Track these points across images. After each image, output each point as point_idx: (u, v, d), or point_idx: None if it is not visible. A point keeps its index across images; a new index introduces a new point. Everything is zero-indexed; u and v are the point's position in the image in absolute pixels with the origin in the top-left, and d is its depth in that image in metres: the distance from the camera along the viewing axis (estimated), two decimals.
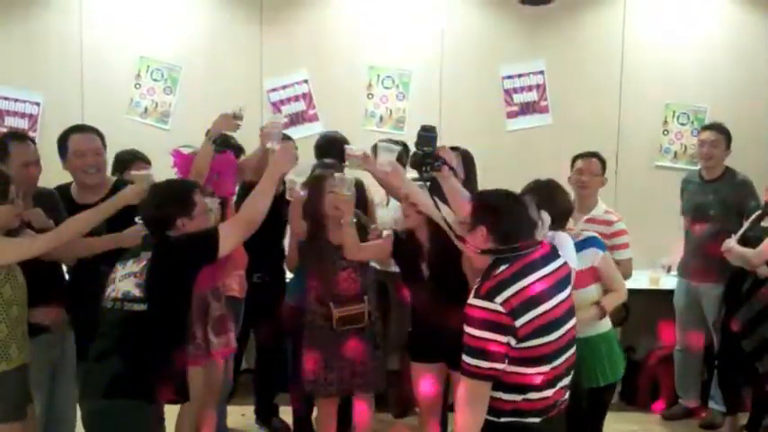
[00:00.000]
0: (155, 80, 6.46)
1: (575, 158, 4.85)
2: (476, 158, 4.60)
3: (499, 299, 2.65)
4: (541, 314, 2.71)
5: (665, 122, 6.51)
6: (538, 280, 2.75)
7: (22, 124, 6.41)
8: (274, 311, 5.00)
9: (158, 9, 6.49)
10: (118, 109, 6.40)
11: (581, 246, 3.73)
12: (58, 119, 5.98)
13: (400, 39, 6.51)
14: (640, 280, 5.85)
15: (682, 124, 6.49)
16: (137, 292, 3.12)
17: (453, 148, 4.74)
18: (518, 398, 2.75)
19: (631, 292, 5.70)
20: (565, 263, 2.95)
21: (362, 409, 4.44)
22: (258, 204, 3.32)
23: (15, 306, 3.40)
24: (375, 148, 4.75)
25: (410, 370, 4.17)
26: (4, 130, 6.29)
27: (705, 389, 5.64)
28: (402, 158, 4.73)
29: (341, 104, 6.42)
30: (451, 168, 3.35)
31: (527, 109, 6.50)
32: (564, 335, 2.81)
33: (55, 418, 3.93)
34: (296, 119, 6.40)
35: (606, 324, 3.92)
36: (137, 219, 3.57)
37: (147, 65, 6.45)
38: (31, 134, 6.23)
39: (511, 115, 6.51)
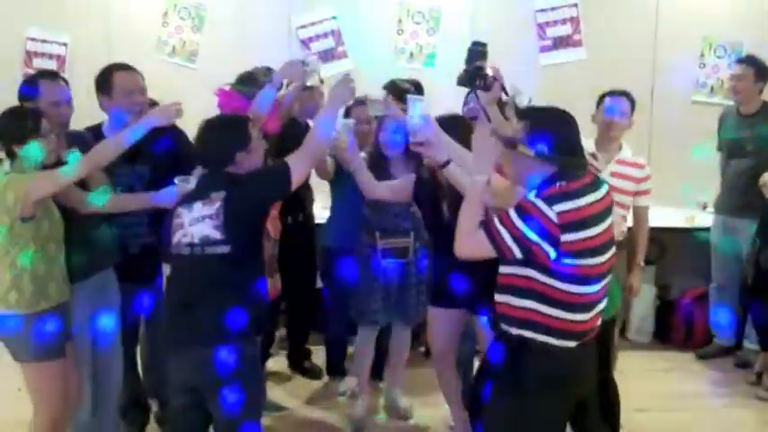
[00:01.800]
0: (182, 18, 6.43)
1: (602, 96, 4.63)
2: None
3: (557, 208, 2.63)
4: (592, 237, 2.70)
5: (702, 56, 6.42)
6: (596, 201, 2.74)
7: (50, 65, 6.37)
8: (306, 252, 5.08)
9: None
10: (145, 48, 6.37)
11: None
12: (85, 59, 6.06)
13: None
14: (676, 217, 5.86)
15: (719, 57, 6.39)
16: (217, 235, 3.06)
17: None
18: (560, 314, 2.75)
19: (667, 230, 5.75)
20: (608, 191, 2.89)
21: (400, 338, 4.64)
22: (322, 135, 3.33)
23: (53, 243, 3.43)
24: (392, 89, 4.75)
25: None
26: (33, 72, 6.40)
27: (740, 327, 5.66)
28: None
29: (370, 41, 6.34)
30: (503, 88, 3.29)
31: (560, 43, 6.42)
32: (607, 260, 2.80)
33: (101, 359, 3.92)
34: (325, 56, 6.35)
35: None
36: (176, 179, 3.52)
37: (175, 3, 6.42)
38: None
39: (544, 49, 6.44)
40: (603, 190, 2.83)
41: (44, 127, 3.38)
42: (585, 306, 2.80)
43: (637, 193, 4.41)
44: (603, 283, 2.84)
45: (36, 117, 3.39)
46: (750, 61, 5.38)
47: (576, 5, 6.38)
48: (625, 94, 4.53)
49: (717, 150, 5.60)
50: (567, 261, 2.67)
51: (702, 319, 5.83)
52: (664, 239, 5.93)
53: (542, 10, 6.41)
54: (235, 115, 3.62)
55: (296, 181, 3.20)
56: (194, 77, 6.16)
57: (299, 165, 3.21)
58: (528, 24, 6.42)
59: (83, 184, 3.61)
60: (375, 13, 6.43)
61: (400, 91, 4.51)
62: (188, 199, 3.20)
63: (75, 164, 3.41)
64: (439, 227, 3.88)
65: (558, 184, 2.71)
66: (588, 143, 4.34)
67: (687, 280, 6.17)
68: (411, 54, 6.44)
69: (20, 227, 3.30)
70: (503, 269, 2.81)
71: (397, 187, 4.13)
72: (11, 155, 3.38)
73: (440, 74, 5.99)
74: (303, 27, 6.44)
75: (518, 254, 2.70)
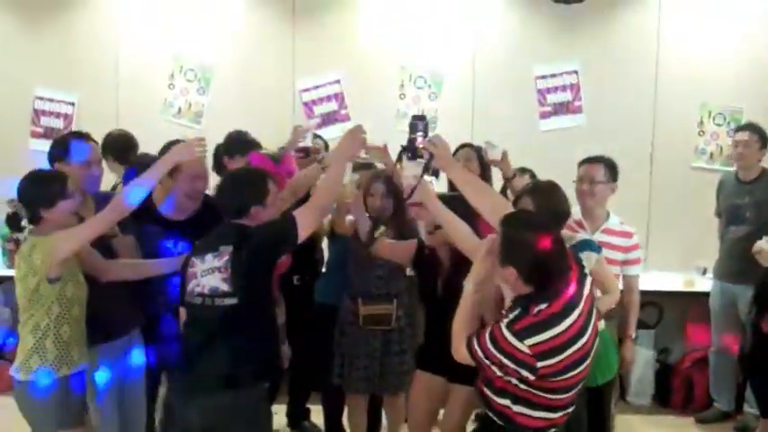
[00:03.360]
0: (188, 81, 6.61)
1: (579, 164, 4.49)
2: (509, 159, 4.64)
3: (529, 341, 2.67)
4: (568, 356, 2.74)
5: (701, 123, 6.50)
6: (572, 323, 2.76)
7: (57, 124, 6.58)
8: (307, 312, 5.12)
9: (192, 10, 6.63)
10: (152, 109, 6.55)
11: (575, 250, 3.66)
12: (92, 119, 6.24)
13: (433, 39, 6.59)
14: (675, 282, 5.92)
15: (718, 125, 6.49)
16: (225, 287, 3.16)
17: (466, 145, 4.89)
18: (537, 414, 2.82)
19: (666, 294, 5.81)
20: (590, 291, 2.92)
21: (393, 406, 4.61)
22: (329, 190, 3.40)
23: (77, 306, 3.40)
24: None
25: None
26: (40, 130, 6.55)
27: (740, 392, 5.65)
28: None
29: (373, 105, 6.49)
30: (427, 159, 3.33)
31: (561, 109, 6.55)
32: (585, 369, 2.86)
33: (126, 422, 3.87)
34: (328, 119, 6.50)
35: (600, 323, 3.89)
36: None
37: (181, 65, 6.59)
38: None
39: (544, 115, 6.56)
40: (578, 309, 2.80)
41: (69, 188, 3.38)
42: (563, 407, 2.87)
43: (625, 263, 4.37)
44: (579, 386, 2.89)
45: (62, 180, 3.40)
46: (754, 128, 5.47)
47: (575, 72, 6.52)
48: (601, 159, 4.44)
49: (716, 216, 5.69)
50: (546, 379, 2.74)
51: (702, 383, 5.83)
52: (662, 303, 5.98)
53: (543, 76, 6.54)
54: (256, 169, 3.73)
55: (303, 233, 3.26)
56: None
57: (306, 217, 3.28)
58: (528, 90, 6.55)
59: (110, 252, 3.66)
60: (378, 77, 6.59)
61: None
62: (201, 250, 3.29)
63: (100, 215, 3.42)
64: (433, 299, 3.92)
65: (539, 307, 2.73)
66: (575, 210, 4.35)
67: (687, 344, 6.20)
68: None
69: (45, 288, 3.27)
70: (488, 345, 2.81)
71: (397, 248, 4.16)
72: (36, 220, 3.37)
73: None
74: (307, 90, 6.58)
75: (498, 372, 2.78)
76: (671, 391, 6.01)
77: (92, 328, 3.51)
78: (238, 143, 4.68)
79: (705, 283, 5.91)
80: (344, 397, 4.71)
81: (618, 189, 4.42)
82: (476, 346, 2.80)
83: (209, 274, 3.21)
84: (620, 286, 4.38)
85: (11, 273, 5.19)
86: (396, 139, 5.31)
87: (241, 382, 3.16)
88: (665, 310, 6.05)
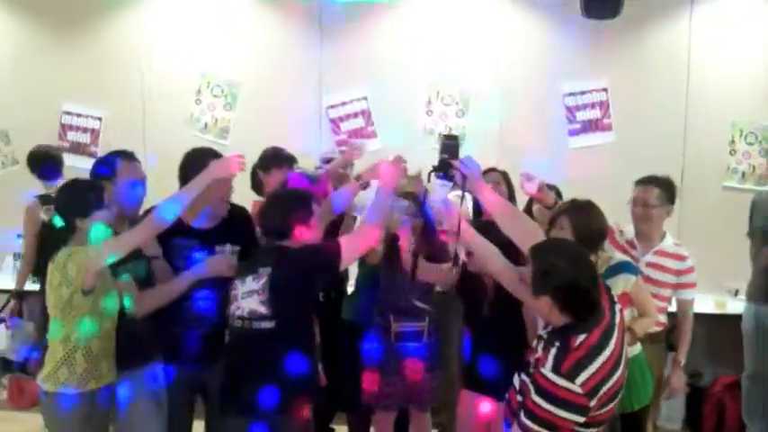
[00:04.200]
0: (215, 96, 6.64)
1: (634, 184, 4.48)
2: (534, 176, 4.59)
3: (579, 380, 2.64)
4: (612, 386, 2.73)
5: (732, 142, 6.44)
6: (611, 353, 2.73)
7: (83, 139, 6.67)
8: (336, 329, 5.10)
9: (220, 26, 6.67)
10: (178, 124, 6.59)
11: (613, 271, 3.71)
12: (119, 134, 6.34)
13: (461, 55, 6.57)
14: (707, 304, 5.84)
15: (749, 144, 6.43)
16: (263, 310, 3.17)
17: (491, 170, 4.83)
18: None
19: (697, 316, 5.73)
20: (621, 318, 2.89)
21: (419, 423, 4.59)
22: (377, 220, 3.38)
23: (109, 320, 3.40)
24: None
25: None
26: (66, 144, 6.62)
27: None
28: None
29: (399, 122, 6.47)
30: (456, 182, 3.30)
31: (589, 126, 6.52)
32: (618, 401, 2.84)
33: None
34: (354, 135, 6.49)
35: (636, 347, 3.93)
36: (217, 248, 3.63)
37: (208, 81, 6.63)
38: (92, 149, 6.59)
39: (573, 132, 6.54)
40: (614, 338, 2.78)
41: (106, 200, 3.38)
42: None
43: (677, 286, 4.33)
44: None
45: (99, 190, 3.39)
46: None
47: (605, 90, 6.47)
48: (655, 181, 4.40)
49: (748, 237, 5.61)
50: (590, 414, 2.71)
51: (734, 409, 5.74)
52: (694, 325, 5.90)
53: (571, 94, 6.52)
54: (299, 190, 3.72)
55: (345, 263, 3.26)
56: (225, 154, 6.27)
57: (350, 247, 3.28)
58: (557, 108, 6.53)
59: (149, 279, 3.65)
60: (405, 94, 6.56)
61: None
62: (243, 271, 3.30)
63: (137, 228, 3.39)
64: (479, 323, 3.87)
65: (579, 339, 2.71)
66: (628, 229, 4.38)
67: (718, 367, 6.12)
68: (439, 135, 6.20)
69: (78, 299, 3.26)
70: (536, 400, 2.75)
71: (436, 271, 4.14)
72: (71, 229, 3.36)
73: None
74: (333, 107, 6.59)
75: None
76: (702, 416, 5.93)
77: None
78: (274, 157, 4.71)
79: (737, 305, 5.84)
80: (370, 416, 4.71)
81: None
82: (526, 421, 2.73)
83: (249, 297, 3.22)
84: (673, 309, 4.39)
85: (34, 287, 5.43)
86: (422, 156, 5.35)
87: (278, 406, 3.13)
88: (695, 332, 5.97)
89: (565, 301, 2.74)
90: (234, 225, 3.92)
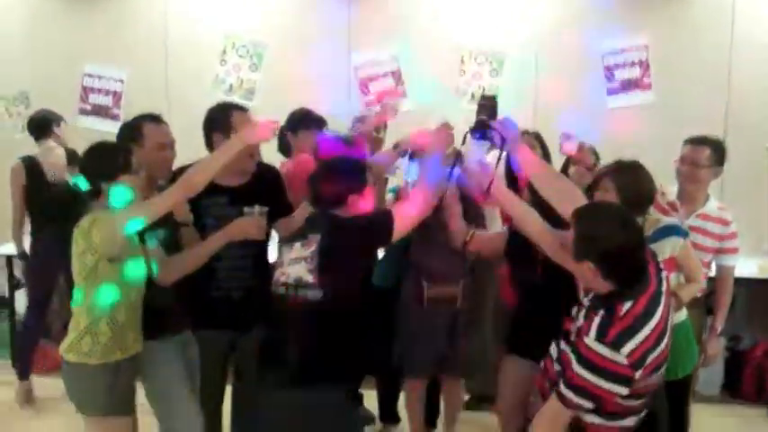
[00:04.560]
0: (240, 57, 6.55)
1: (684, 143, 4.31)
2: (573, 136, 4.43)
3: (626, 350, 2.55)
4: (657, 356, 2.65)
5: None
6: (657, 322, 2.64)
7: (105, 101, 6.62)
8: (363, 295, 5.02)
9: None
10: (203, 86, 6.49)
11: (661, 234, 3.60)
12: (142, 96, 6.26)
13: (494, 13, 6.43)
14: (749, 267, 5.71)
15: None
16: (310, 279, 3.02)
17: (524, 133, 4.70)
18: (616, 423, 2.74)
19: (738, 280, 5.62)
20: (668, 285, 2.81)
21: (451, 390, 4.57)
22: (431, 185, 3.25)
23: (135, 290, 3.29)
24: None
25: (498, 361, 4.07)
26: (88, 107, 6.61)
27: None
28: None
29: (431, 82, 6.30)
30: (494, 143, 3.25)
31: (628, 86, 6.35)
32: (662, 373, 2.78)
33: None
34: (384, 97, 6.26)
35: (682, 314, 3.83)
36: (245, 209, 3.49)
37: (233, 42, 6.53)
38: (114, 111, 6.57)
39: (611, 92, 6.38)
40: (661, 306, 2.69)
41: (134, 163, 3.27)
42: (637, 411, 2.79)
43: (720, 251, 4.22)
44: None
45: (126, 153, 3.29)
46: None
47: (645, 48, 6.31)
48: (707, 141, 4.25)
49: None
50: (635, 386, 2.63)
51: None
52: (734, 288, 5.79)
53: (611, 52, 6.36)
54: (354, 159, 3.61)
55: (398, 233, 3.14)
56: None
57: (404, 216, 3.16)
58: (595, 66, 6.37)
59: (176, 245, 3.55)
60: (436, 53, 6.43)
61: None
62: (292, 237, 3.21)
63: (166, 192, 3.28)
64: (530, 287, 3.78)
65: (626, 307, 2.62)
66: (670, 191, 4.27)
67: (759, 331, 6.02)
68: (473, 95, 6.38)
69: (104, 267, 3.15)
70: (578, 370, 2.66)
71: (490, 241, 3.99)
72: (96, 193, 3.23)
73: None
74: (362, 67, 6.49)
75: (588, 405, 2.66)
76: (741, 380, 5.83)
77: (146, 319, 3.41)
78: (303, 119, 4.63)
79: None
80: (401, 383, 4.66)
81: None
82: (566, 391, 2.65)
83: (296, 264, 3.08)
84: (712, 274, 4.28)
85: None
86: (455, 115, 5.27)
87: (321, 381, 3.01)
88: (736, 295, 5.86)
89: (610, 267, 2.64)
90: (263, 183, 3.82)
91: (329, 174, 3.28)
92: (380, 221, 3.15)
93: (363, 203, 3.22)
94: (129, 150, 3.33)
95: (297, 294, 3.06)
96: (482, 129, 3.22)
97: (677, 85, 6.28)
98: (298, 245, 3.11)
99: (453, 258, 4.19)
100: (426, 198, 3.24)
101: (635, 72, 6.35)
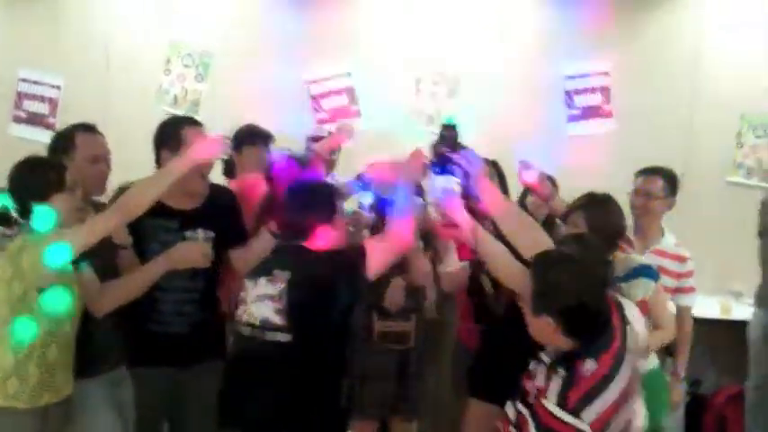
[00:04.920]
0: (186, 66, 6.34)
1: (636, 175, 4.27)
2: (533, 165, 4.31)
3: (588, 416, 2.34)
4: (625, 420, 2.47)
5: (740, 135, 6.19)
6: (627, 379, 2.46)
7: (41, 109, 6.34)
8: None
9: None
10: (145, 96, 6.28)
11: (633, 275, 3.48)
12: (80, 105, 6.01)
13: (452, 32, 6.30)
14: (711, 307, 5.59)
15: (758, 137, 6.18)
16: (277, 320, 2.88)
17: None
18: None
19: (699, 321, 5.50)
20: (630, 335, 2.62)
21: None
22: (409, 220, 3.07)
23: (68, 323, 3.00)
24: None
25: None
26: (23, 114, 6.36)
27: None
28: None
29: (386, 101, 6.18)
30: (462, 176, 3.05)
31: (590, 113, 6.28)
32: None
33: None
34: (337, 114, 6.22)
35: (652, 361, 3.72)
36: (187, 233, 3.26)
37: (179, 50, 6.32)
38: (50, 120, 6.31)
39: (572, 119, 6.30)
40: (627, 363, 2.49)
41: (69, 181, 2.99)
42: None
43: (677, 290, 4.08)
44: None
45: (59, 169, 3.00)
46: None
47: (607, 74, 6.24)
48: (659, 171, 4.19)
49: (758, 237, 5.35)
50: None
51: (738, 421, 5.46)
52: (694, 329, 5.68)
53: (572, 77, 6.27)
54: (321, 183, 3.46)
55: (374, 270, 2.97)
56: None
57: (378, 253, 2.99)
58: (555, 91, 6.29)
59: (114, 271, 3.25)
60: (392, 71, 6.30)
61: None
62: (255, 272, 3.03)
63: (105, 214, 3.00)
64: (492, 324, 3.64)
65: (586, 367, 2.40)
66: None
67: (721, 375, 5.89)
68: (431, 117, 6.26)
69: (32, 297, 2.85)
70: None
71: (458, 277, 3.83)
72: (27, 214, 2.94)
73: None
74: (315, 82, 6.33)
75: None
76: (703, 427, 5.67)
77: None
78: (247, 134, 4.38)
79: (741, 310, 5.58)
80: (346, 425, 4.44)
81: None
82: None
83: (260, 302, 2.93)
84: None
85: None
86: (410, 141, 5.11)
87: (290, 427, 2.87)
88: (696, 336, 5.74)
89: (570, 323, 2.43)
90: (217, 207, 3.53)
91: (297, 200, 3.11)
92: (354, 257, 2.96)
93: (333, 235, 3.03)
94: (62, 166, 3.04)
95: (264, 336, 2.92)
96: (443, 162, 3.02)
97: (638, 114, 6.21)
98: (263, 280, 2.96)
99: (407, 292, 3.99)
100: (404, 233, 3.06)
101: (596, 99, 6.28)
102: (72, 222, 2.99)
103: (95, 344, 3.18)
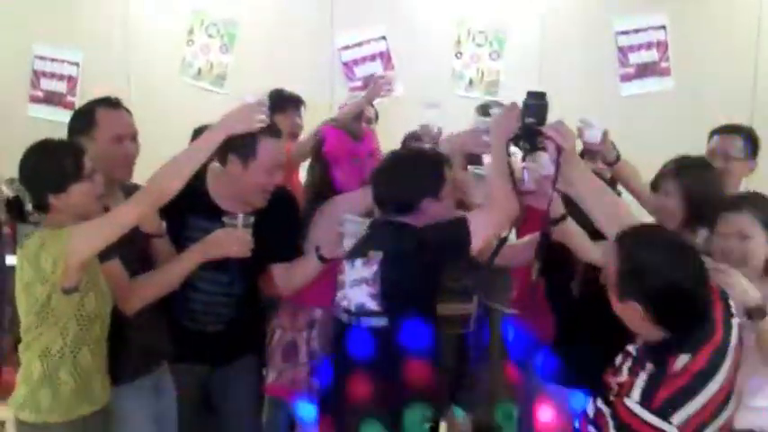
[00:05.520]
0: (210, 37, 6.13)
1: (711, 133, 3.96)
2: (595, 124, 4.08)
3: (677, 419, 2.07)
4: (720, 428, 2.18)
5: None
6: (725, 381, 2.16)
7: (59, 87, 6.13)
8: None
9: None
10: (168, 70, 6.08)
11: None
12: (100, 81, 5.73)
13: None
14: None
15: None
16: (372, 305, 2.74)
17: None
18: None
19: None
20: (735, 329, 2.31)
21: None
22: (509, 185, 2.77)
23: (98, 323, 2.74)
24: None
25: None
26: (40, 94, 6.14)
27: None
28: None
29: (424, 65, 6.05)
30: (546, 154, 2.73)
31: (645, 71, 6.09)
32: None
33: None
34: (371, 81, 5.97)
35: None
36: (224, 218, 2.95)
37: (202, 19, 6.11)
38: (69, 99, 6.10)
39: (625, 78, 6.10)
40: (728, 361, 2.18)
41: (87, 167, 2.70)
42: None
43: None
44: None
45: (76, 155, 2.71)
46: None
47: (663, 28, 6.04)
48: (739, 129, 3.87)
49: None
50: None
51: None
52: None
53: (624, 32, 6.08)
54: (428, 152, 3.21)
55: (476, 244, 2.75)
56: (223, 103, 5.82)
57: (483, 223, 2.76)
58: (608, 49, 6.11)
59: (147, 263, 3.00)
60: (430, 33, 6.14)
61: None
62: (353, 252, 2.89)
63: (131, 201, 2.72)
64: (567, 303, 3.37)
65: (681, 361, 2.13)
66: None
67: None
68: (470, 81, 6.13)
69: (58, 300, 2.60)
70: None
71: (521, 249, 3.47)
72: (44, 207, 2.70)
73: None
74: (347, 48, 6.14)
75: None
76: None
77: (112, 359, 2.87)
78: (276, 101, 4.18)
79: None
80: None
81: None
82: None
83: (357, 286, 2.80)
84: None
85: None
86: (451, 103, 4.88)
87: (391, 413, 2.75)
88: None
89: (661, 309, 2.15)
90: (273, 215, 3.22)
91: (394, 172, 2.92)
92: (457, 233, 2.75)
93: (440, 209, 2.84)
94: (79, 150, 2.75)
95: (360, 324, 2.82)
96: (531, 136, 2.70)
97: (698, 70, 6.06)
98: (359, 263, 2.83)
99: (468, 271, 3.73)
100: (507, 198, 2.77)
101: (652, 55, 6.08)
102: (94, 212, 2.72)
103: (131, 344, 2.95)
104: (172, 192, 2.72)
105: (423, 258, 2.72)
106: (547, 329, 3.46)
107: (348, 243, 3.01)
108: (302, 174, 4.19)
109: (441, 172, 2.90)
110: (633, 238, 2.27)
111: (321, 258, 3.12)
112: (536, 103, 2.69)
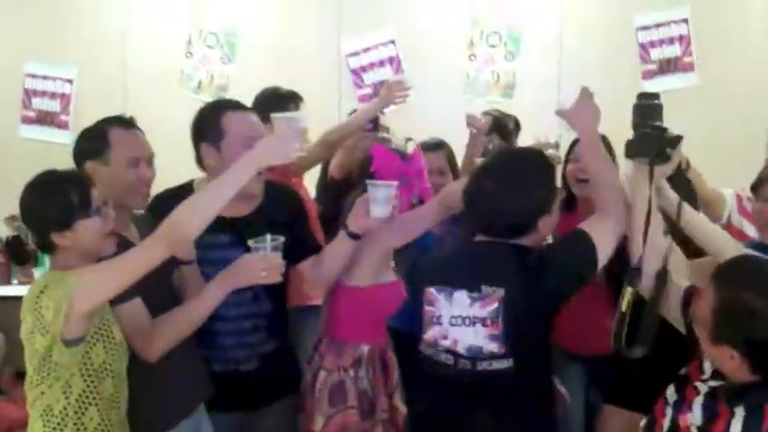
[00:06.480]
0: (209, 47, 6.10)
1: None
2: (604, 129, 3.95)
3: None
4: None
5: None
6: None
7: (52, 107, 6.05)
8: None
9: None
10: (167, 84, 6.04)
11: None
12: (95, 99, 5.75)
13: None
14: None
15: None
16: (494, 348, 2.44)
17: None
18: None
19: None
20: None
21: None
22: (619, 186, 2.60)
23: (109, 379, 2.49)
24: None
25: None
26: (32, 114, 6.04)
27: None
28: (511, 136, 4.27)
29: (436, 69, 5.98)
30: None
31: (668, 67, 6.02)
32: None
33: None
34: (380, 88, 5.90)
35: None
36: (250, 242, 2.71)
37: (200, 29, 6.08)
38: (62, 118, 6.02)
39: (647, 75, 6.03)
40: None
41: (95, 200, 2.47)
42: None
43: None
44: None
45: (83, 186, 2.50)
46: None
47: (686, 21, 5.96)
48: None
49: None
50: None
51: None
52: None
53: (645, 27, 6.01)
54: (543, 160, 2.84)
55: (604, 258, 2.50)
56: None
57: (603, 235, 2.50)
58: (628, 45, 6.05)
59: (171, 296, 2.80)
60: (441, 35, 6.10)
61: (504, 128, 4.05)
62: (445, 280, 2.57)
63: (150, 241, 2.44)
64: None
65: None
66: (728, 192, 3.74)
67: None
68: (486, 83, 6.08)
69: (61, 353, 2.35)
70: None
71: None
72: (47, 247, 2.50)
73: (519, 108, 5.47)
74: (355, 54, 6.07)
75: None
76: None
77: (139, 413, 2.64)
78: (274, 98, 4.06)
79: None
80: None
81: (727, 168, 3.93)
82: None
83: (465, 326, 2.49)
84: None
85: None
86: (463, 110, 4.79)
87: None
88: None
89: (761, 357, 2.01)
90: (278, 209, 3.07)
91: (511, 186, 2.59)
92: (584, 250, 2.50)
93: (550, 224, 2.59)
94: (85, 182, 2.52)
95: (475, 368, 2.52)
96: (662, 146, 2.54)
97: (723, 65, 5.95)
98: (463, 295, 2.51)
99: None
100: (619, 204, 2.58)
101: (674, 50, 6.01)
102: (105, 250, 2.50)
103: (166, 388, 2.74)
104: (194, 234, 2.47)
105: (551, 289, 2.47)
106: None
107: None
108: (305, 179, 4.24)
109: (553, 185, 2.68)
110: (735, 278, 2.10)
111: (351, 235, 2.88)
112: (650, 104, 2.61)
